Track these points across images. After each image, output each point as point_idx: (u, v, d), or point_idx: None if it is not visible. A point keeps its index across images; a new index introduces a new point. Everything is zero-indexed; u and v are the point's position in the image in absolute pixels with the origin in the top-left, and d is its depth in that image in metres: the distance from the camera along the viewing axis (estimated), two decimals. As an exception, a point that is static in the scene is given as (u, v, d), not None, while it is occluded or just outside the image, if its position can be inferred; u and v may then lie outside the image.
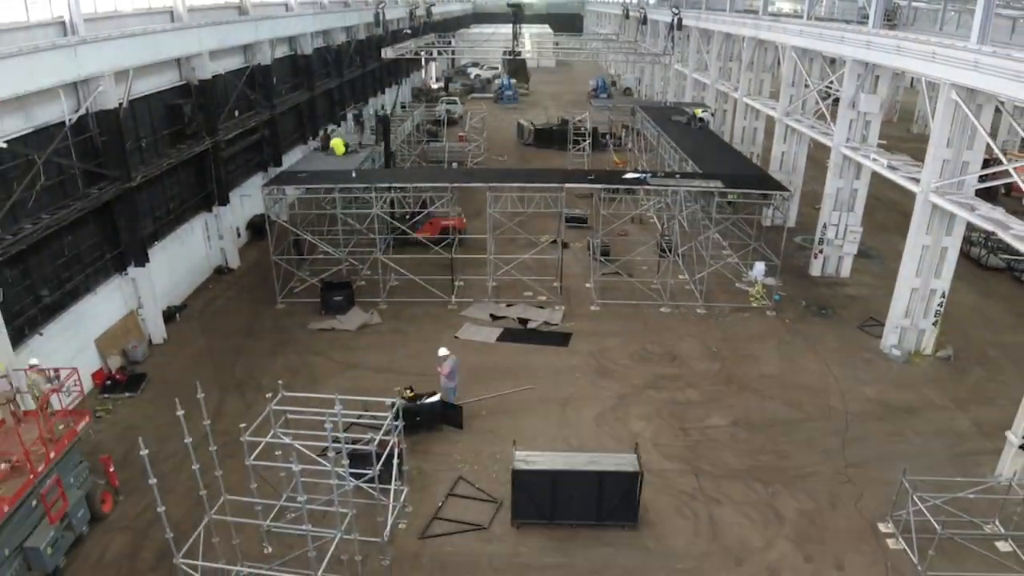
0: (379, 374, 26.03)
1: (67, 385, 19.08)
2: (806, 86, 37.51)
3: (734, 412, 24.13)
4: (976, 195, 24.91)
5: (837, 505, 19.93)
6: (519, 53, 61.16)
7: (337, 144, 37.83)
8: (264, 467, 17.41)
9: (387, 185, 31.75)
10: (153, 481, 14.38)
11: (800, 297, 31.94)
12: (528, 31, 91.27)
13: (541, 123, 63.49)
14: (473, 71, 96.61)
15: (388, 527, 18.36)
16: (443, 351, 24.04)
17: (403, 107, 66.70)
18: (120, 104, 26.10)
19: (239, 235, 37.91)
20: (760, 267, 31.27)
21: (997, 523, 18.95)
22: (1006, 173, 23.06)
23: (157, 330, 28.51)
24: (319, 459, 16.57)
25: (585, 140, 52.30)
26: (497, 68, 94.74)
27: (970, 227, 26.70)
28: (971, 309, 31.31)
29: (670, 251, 33.04)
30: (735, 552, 18.37)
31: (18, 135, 22.28)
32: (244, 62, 39.11)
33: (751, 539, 18.78)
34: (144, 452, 14.04)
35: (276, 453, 17.91)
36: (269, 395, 18.18)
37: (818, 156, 40.89)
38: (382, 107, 55.99)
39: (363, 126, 49.10)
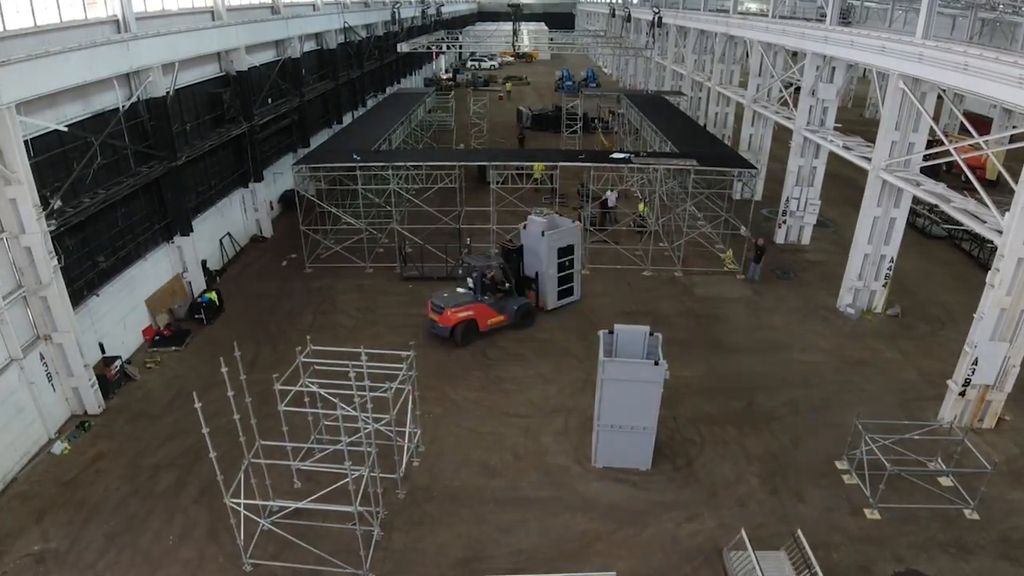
0: (395, 330, 25.64)
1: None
2: (771, 76, 36.90)
3: (708, 364, 23.75)
4: (921, 172, 24.48)
5: (799, 445, 19.62)
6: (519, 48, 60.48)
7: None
8: (294, 412, 17.17)
9: (401, 164, 31.18)
10: (206, 431, 14.13)
11: (765, 262, 31.45)
12: (526, 28, 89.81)
13: (538, 109, 62.54)
14: (471, 64, 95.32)
15: (403, 465, 18.17)
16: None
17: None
18: (167, 92, 25.63)
19: (272, 208, 37.38)
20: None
21: (940, 461, 18.67)
22: (947, 153, 22.69)
23: (200, 290, 28.02)
24: (343, 405, 16.28)
25: (577, 124, 51.63)
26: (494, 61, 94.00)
27: (916, 200, 26.26)
28: (916, 272, 30.84)
29: (645, 225, 32.61)
30: (708, 486, 18.09)
31: (77, 120, 21.82)
32: (276, 55, 38.37)
33: (723, 475, 18.49)
34: (198, 405, 13.80)
35: (305, 400, 17.65)
36: (299, 348, 17.81)
37: (782, 138, 40.14)
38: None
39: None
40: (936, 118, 25.09)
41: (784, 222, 34.10)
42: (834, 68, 30.96)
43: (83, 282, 22.26)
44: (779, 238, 34.29)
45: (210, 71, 30.96)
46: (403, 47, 57.45)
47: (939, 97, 24.28)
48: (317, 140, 42.11)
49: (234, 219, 33.37)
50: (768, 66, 36.87)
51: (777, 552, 15.31)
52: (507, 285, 25.59)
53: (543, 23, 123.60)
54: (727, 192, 34.71)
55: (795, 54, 35.15)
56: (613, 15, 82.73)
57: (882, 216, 25.75)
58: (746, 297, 28.45)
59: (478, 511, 17.25)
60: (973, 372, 19.63)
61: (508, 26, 72.20)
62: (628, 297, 28.34)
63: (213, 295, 27.07)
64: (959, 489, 17.80)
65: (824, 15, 30.72)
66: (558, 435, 20.06)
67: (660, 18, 55.67)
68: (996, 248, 18.89)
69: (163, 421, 20.59)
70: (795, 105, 32.66)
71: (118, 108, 23.59)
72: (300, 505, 15.42)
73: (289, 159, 38.84)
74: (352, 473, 14.38)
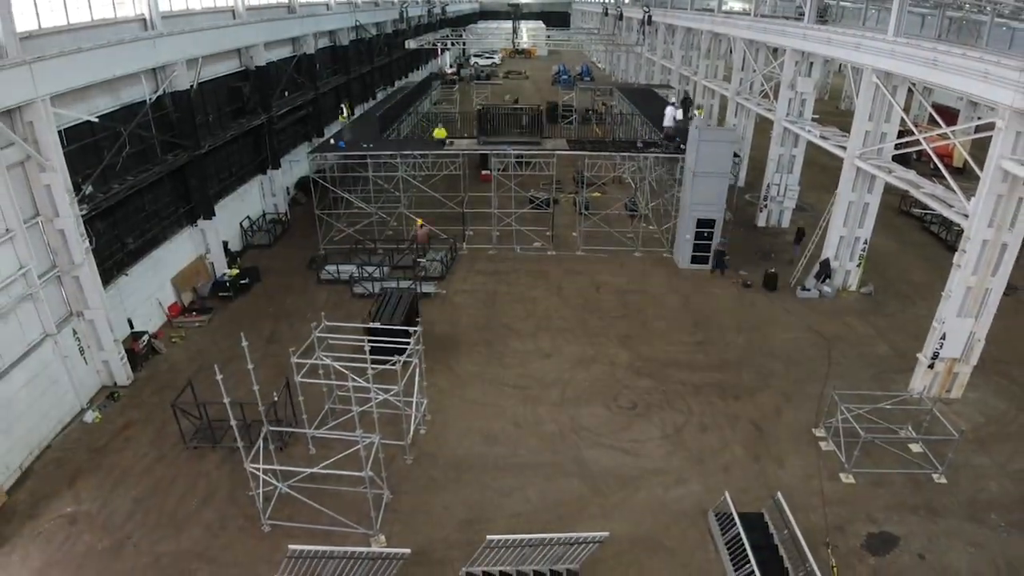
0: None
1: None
2: (753, 71, 36.35)
3: (695, 338, 23.45)
4: (893, 160, 24.15)
5: (779, 415, 19.36)
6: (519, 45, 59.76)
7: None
8: (309, 383, 16.93)
9: (408, 152, 30.73)
10: (228, 400, 13.96)
11: (748, 244, 31.13)
12: (525, 26, 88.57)
13: (536, 101, 61.72)
14: (474, 60, 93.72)
15: (411, 433, 17.94)
16: None
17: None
18: (191, 86, 25.20)
19: (288, 193, 36.93)
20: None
21: (910, 429, 18.42)
22: (917, 142, 22.27)
23: (222, 271, 27.67)
24: (355, 376, 16.03)
25: (573, 115, 51.01)
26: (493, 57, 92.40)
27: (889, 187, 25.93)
28: (889, 253, 30.47)
29: (636, 209, 32.16)
30: (695, 453, 17.87)
31: (108, 112, 21.46)
32: (292, 51, 37.86)
33: (709, 442, 18.25)
34: (219, 377, 13.63)
35: (319, 372, 17.42)
36: (314, 324, 17.54)
37: (763, 128, 39.63)
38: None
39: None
40: (906, 110, 24.78)
41: (765, 206, 33.71)
42: (812, 63, 30.64)
43: (113, 262, 21.98)
44: (761, 221, 33.92)
45: (231, 66, 30.50)
46: (410, 44, 56.80)
47: (909, 90, 23.87)
48: (331, 130, 41.61)
49: (253, 203, 32.95)
50: (750, 61, 36.34)
51: (758, 514, 15.15)
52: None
53: (541, 21, 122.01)
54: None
55: (775, 50, 34.61)
56: (606, 14, 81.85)
57: (856, 201, 25.39)
58: (730, 276, 28.07)
59: (480, 476, 17.03)
60: (941, 346, 19.41)
61: (508, 24, 71.26)
62: (620, 276, 27.98)
63: (234, 272, 26.77)
64: (928, 455, 17.58)
65: (803, 14, 30.33)
66: (555, 406, 19.79)
67: (650, 16, 54.94)
68: (963, 231, 18.59)
69: (188, 392, 20.32)
70: (775, 98, 32.19)
71: (145, 100, 23.28)
72: (315, 470, 15.20)
73: (305, 148, 38.35)
74: (363, 440, 14.16)
